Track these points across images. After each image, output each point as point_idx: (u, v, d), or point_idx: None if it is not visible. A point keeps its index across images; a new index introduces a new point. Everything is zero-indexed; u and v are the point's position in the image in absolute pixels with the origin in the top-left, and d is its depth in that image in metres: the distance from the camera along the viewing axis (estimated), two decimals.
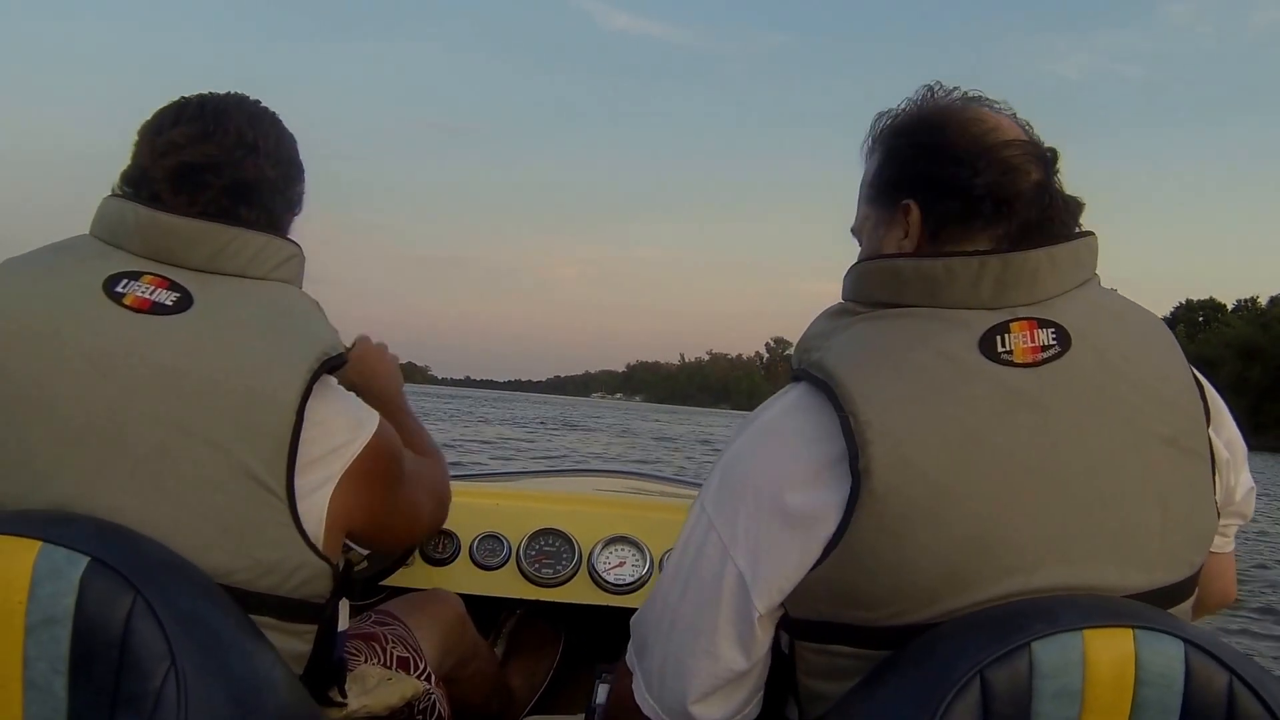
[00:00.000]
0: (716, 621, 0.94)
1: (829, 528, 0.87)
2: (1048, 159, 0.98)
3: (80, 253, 1.07)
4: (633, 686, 1.04)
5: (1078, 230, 0.98)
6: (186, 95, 1.12)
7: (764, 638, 0.94)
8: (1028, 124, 1.02)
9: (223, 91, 1.14)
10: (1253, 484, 1.04)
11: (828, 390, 0.89)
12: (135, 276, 1.03)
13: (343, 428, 1.07)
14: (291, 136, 1.18)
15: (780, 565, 0.90)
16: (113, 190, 1.11)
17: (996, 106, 1.03)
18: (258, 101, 1.15)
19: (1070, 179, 1.02)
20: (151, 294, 1.02)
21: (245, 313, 1.04)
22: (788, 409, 0.96)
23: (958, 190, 0.96)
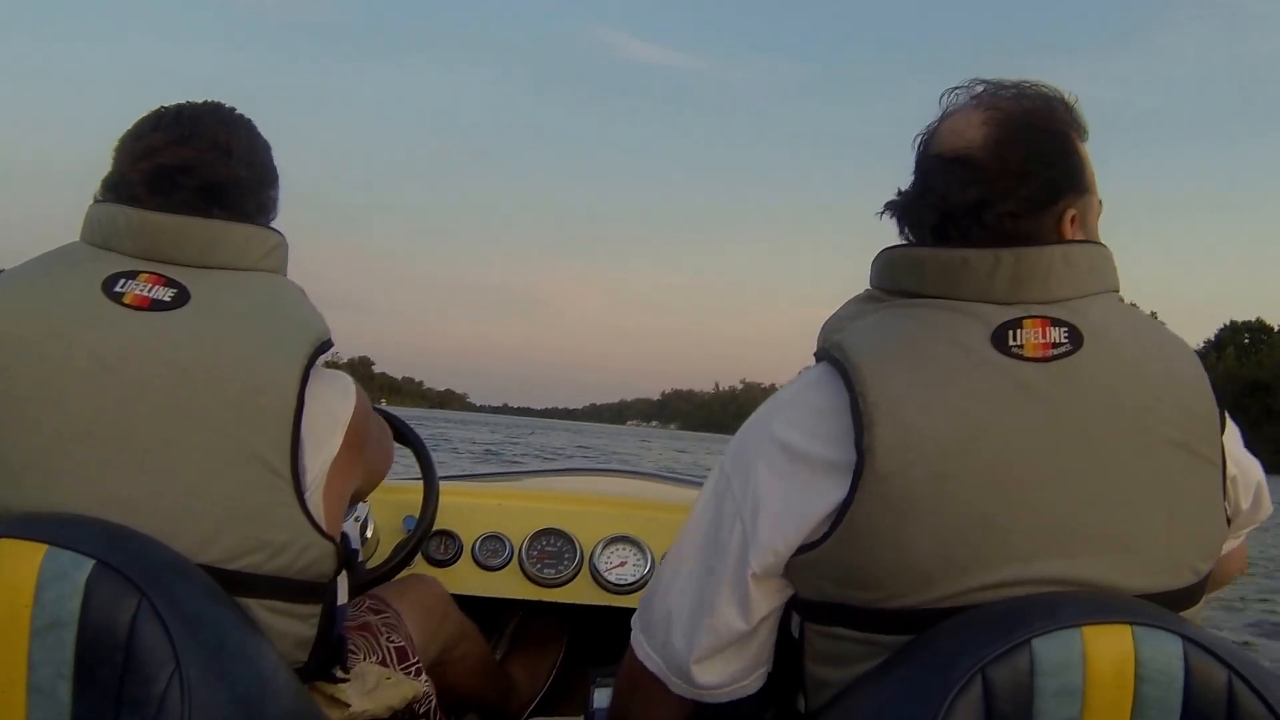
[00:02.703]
0: (720, 577, 0.96)
1: (831, 501, 0.89)
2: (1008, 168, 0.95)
3: (75, 258, 1.09)
4: (632, 643, 1.06)
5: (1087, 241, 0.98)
6: (165, 105, 1.15)
7: (760, 601, 0.96)
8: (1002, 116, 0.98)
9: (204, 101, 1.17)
10: (1262, 476, 1.02)
11: (842, 370, 0.92)
12: (132, 275, 1.05)
13: (335, 403, 1.11)
14: (265, 143, 1.21)
15: (779, 527, 0.92)
16: (95, 197, 1.14)
17: (999, 95, 1.00)
18: (233, 109, 1.19)
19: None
20: (150, 291, 1.04)
21: (240, 304, 1.07)
22: (805, 385, 0.98)
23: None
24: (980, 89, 1.01)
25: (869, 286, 1.04)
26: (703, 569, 0.98)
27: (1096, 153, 1.01)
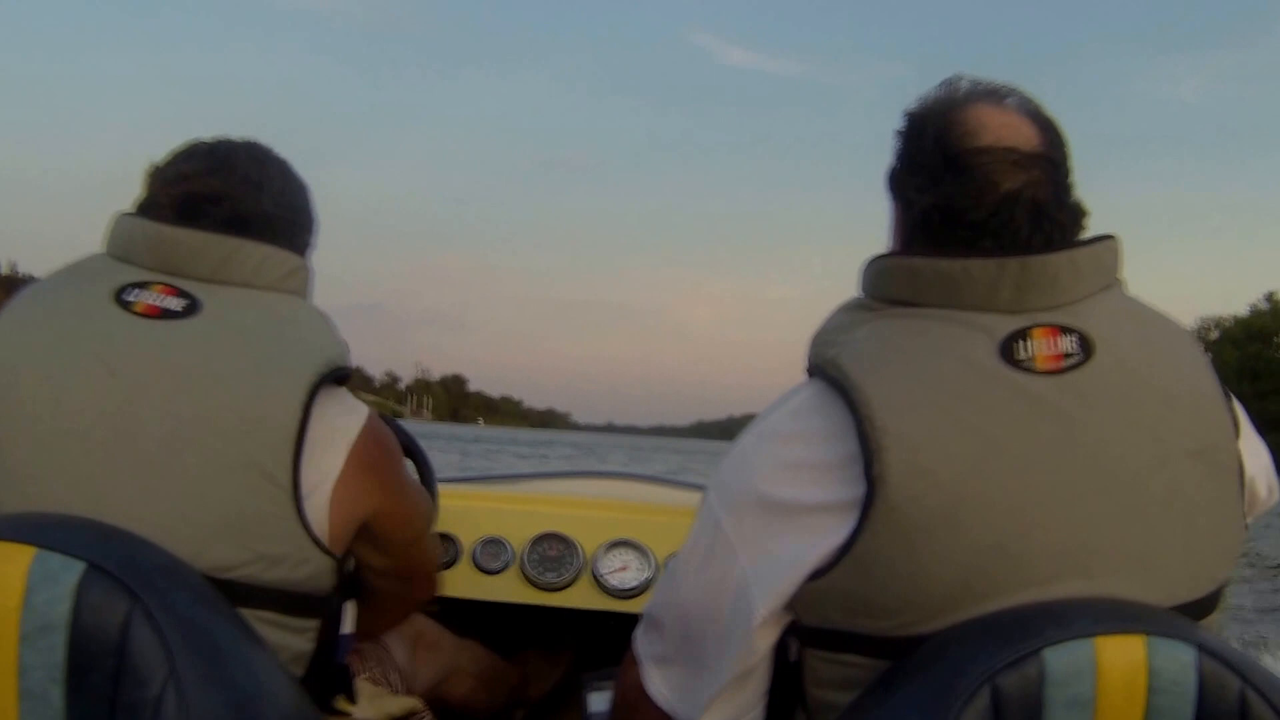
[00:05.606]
0: (719, 622, 0.93)
1: (837, 531, 0.86)
2: (1042, 164, 0.93)
3: (93, 268, 1.11)
4: (643, 677, 1.04)
5: (1095, 235, 0.94)
6: (201, 138, 1.16)
7: (763, 641, 0.93)
8: (1040, 116, 0.96)
9: (239, 138, 1.18)
10: (1269, 460, 1.01)
11: (842, 391, 0.88)
12: (144, 286, 1.06)
13: (339, 417, 1.10)
14: (302, 184, 1.21)
15: (783, 568, 0.89)
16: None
17: (1008, 100, 0.97)
18: (269, 148, 1.19)
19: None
20: (160, 301, 1.05)
21: (252, 317, 1.07)
22: (799, 409, 0.94)
23: (916, 201, 0.95)
24: (982, 87, 0.98)
25: (858, 294, 0.99)
26: (698, 614, 0.95)
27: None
